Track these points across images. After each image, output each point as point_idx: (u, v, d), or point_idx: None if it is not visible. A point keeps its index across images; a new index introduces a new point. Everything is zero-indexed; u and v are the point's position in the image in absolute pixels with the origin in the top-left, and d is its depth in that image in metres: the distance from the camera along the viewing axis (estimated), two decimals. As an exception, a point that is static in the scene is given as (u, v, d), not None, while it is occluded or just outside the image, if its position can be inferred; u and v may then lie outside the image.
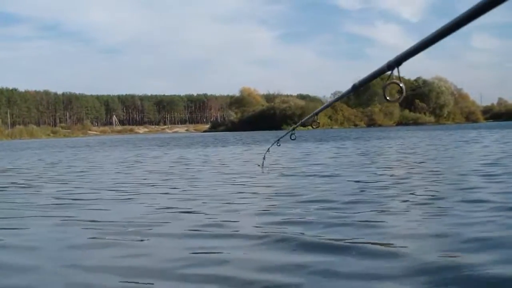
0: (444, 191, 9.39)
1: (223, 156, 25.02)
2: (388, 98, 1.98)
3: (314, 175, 13.23)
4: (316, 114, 3.67)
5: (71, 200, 10.17)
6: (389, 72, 1.94)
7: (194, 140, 58.13)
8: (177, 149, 34.88)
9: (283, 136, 5.55)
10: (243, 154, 26.75)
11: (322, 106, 3.34)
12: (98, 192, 11.39)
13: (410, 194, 9.20)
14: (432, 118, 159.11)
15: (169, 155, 28.31)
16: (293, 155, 22.23)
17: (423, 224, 6.49)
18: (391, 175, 12.85)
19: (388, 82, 1.93)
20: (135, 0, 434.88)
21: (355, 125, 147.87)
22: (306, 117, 3.87)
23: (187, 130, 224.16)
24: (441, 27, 1.75)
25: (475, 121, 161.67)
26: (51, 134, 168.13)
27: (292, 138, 4.50)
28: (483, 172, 12.27)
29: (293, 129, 4.79)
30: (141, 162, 22.67)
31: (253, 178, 13.18)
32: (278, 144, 5.97)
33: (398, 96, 1.96)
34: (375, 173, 13.26)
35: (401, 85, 1.92)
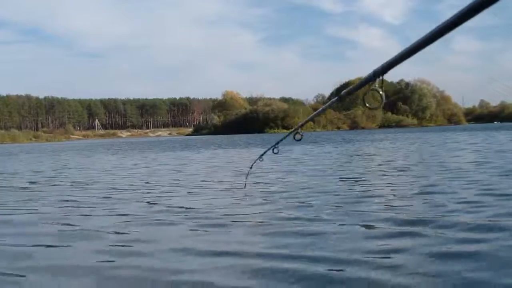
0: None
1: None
2: (367, 105, 1.94)
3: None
4: (303, 125, 3.58)
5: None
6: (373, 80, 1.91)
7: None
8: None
9: (266, 151, 5.25)
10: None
11: (308, 117, 3.25)
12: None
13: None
14: (414, 121, 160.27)
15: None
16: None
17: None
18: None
19: (368, 89, 1.89)
20: (117, 4, 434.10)
21: (338, 128, 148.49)
22: (292, 130, 3.73)
23: (170, 133, 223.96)
24: (424, 35, 1.71)
25: (457, 123, 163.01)
26: (33, 139, 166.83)
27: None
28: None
29: (278, 143, 4.53)
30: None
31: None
32: (261, 160, 5.61)
33: (378, 104, 1.92)
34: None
35: (380, 92, 1.88)
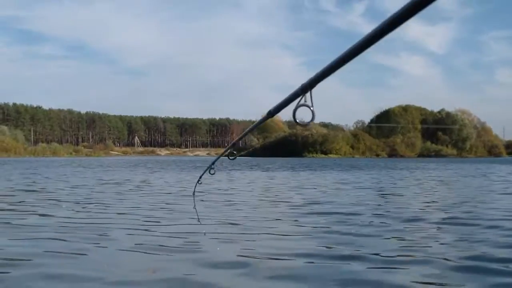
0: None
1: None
2: (297, 121, 1.89)
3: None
4: (234, 144, 3.55)
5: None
6: (301, 96, 1.87)
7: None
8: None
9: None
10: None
11: (241, 134, 3.17)
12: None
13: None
14: (454, 151, 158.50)
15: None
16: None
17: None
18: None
19: (299, 105, 1.85)
20: (160, 23, 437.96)
21: (377, 155, 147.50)
22: (226, 149, 3.69)
23: (208, 154, 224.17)
24: (350, 47, 1.66)
25: (498, 155, 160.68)
26: (73, 153, 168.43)
27: (211, 173, 4.16)
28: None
29: (214, 162, 4.37)
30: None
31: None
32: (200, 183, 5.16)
33: (308, 121, 1.87)
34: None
35: (311, 108, 1.84)
